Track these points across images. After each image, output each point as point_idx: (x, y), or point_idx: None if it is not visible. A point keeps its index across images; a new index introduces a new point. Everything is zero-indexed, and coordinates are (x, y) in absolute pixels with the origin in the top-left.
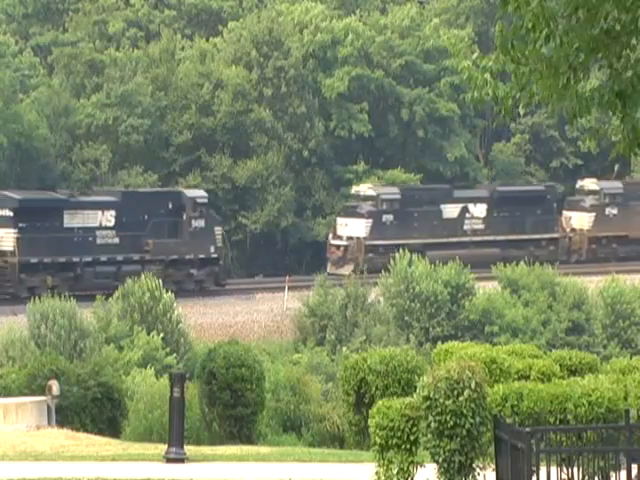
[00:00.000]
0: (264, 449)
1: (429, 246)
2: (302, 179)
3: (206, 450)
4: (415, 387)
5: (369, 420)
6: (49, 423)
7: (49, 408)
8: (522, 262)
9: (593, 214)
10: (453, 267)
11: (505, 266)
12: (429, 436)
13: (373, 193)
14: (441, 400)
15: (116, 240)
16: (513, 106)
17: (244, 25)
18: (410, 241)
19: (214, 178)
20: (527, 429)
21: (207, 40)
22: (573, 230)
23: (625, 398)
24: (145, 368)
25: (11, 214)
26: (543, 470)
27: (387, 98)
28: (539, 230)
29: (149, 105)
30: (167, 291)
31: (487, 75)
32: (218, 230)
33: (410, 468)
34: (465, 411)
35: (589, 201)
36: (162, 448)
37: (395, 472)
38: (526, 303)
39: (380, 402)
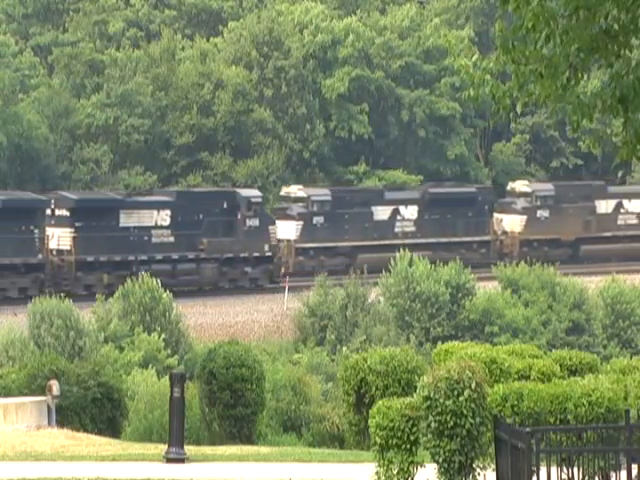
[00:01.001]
0: (264, 449)
1: (360, 249)
2: (303, 180)
3: (206, 450)
4: (415, 387)
5: (369, 420)
6: (49, 423)
7: (49, 408)
8: (522, 262)
9: (524, 217)
10: (454, 267)
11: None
12: (429, 436)
13: (304, 195)
14: (441, 400)
15: (171, 239)
16: (511, 105)
17: (244, 25)
18: (341, 244)
19: (214, 177)
20: (527, 429)
21: (207, 40)
22: (505, 233)
23: (625, 398)
24: (146, 368)
25: (68, 214)
26: (543, 470)
27: (387, 99)
28: (470, 233)
29: (149, 105)
30: (166, 291)
31: (487, 76)
32: (272, 229)
33: (410, 468)
34: (465, 411)
35: (520, 203)
36: (162, 448)
37: (395, 472)
38: (526, 303)
39: (380, 402)
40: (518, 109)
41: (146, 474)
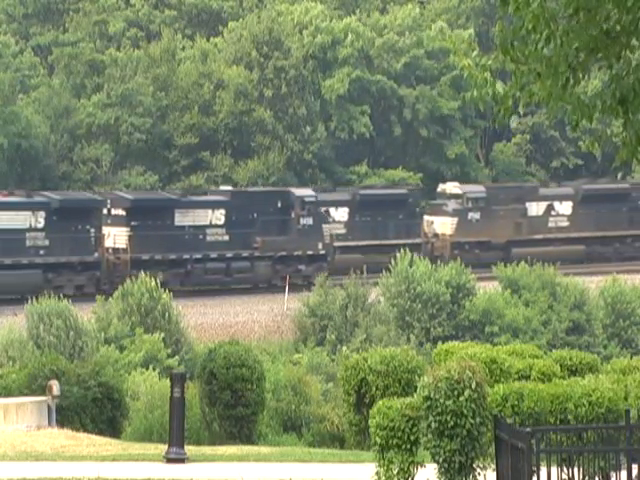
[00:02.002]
0: (264, 449)
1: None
2: (303, 180)
3: (206, 450)
4: (415, 387)
5: (369, 420)
6: (49, 423)
7: (49, 408)
8: (522, 262)
9: (455, 219)
10: (454, 267)
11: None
12: (429, 436)
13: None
14: (441, 400)
15: (226, 237)
16: (513, 106)
17: (244, 25)
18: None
19: (215, 178)
20: (527, 429)
21: (208, 40)
22: (436, 235)
23: (625, 398)
24: (146, 369)
25: (124, 213)
26: (543, 470)
27: (389, 98)
28: (401, 235)
29: (150, 105)
30: (165, 291)
31: (487, 74)
32: (326, 227)
33: (410, 468)
34: (465, 411)
35: (451, 205)
36: (162, 448)
37: (395, 472)
38: (527, 303)
39: (380, 402)
40: (520, 110)
41: (146, 474)
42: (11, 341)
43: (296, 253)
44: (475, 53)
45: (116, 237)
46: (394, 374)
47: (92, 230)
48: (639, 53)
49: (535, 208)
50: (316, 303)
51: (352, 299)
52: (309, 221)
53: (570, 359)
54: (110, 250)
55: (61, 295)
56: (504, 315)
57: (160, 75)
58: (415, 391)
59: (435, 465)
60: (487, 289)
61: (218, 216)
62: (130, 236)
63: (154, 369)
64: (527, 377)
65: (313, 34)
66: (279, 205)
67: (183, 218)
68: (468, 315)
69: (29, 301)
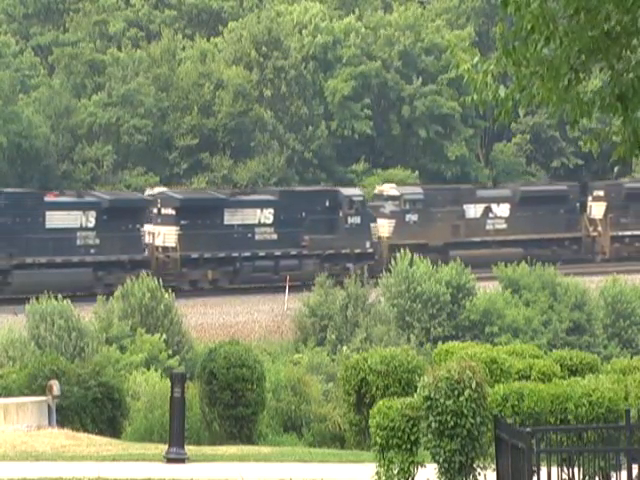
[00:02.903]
0: (265, 449)
1: None
2: (304, 180)
3: (207, 450)
4: (416, 387)
5: (370, 420)
6: (49, 423)
7: (49, 408)
8: (523, 262)
9: (393, 221)
10: (454, 267)
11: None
12: (430, 436)
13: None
14: (442, 400)
15: (274, 236)
16: (513, 108)
17: (244, 25)
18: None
19: (215, 179)
20: (528, 429)
21: (208, 40)
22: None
23: (625, 398)
24: (148, 369)
25: (173, 212)
26: (544, 470)
27: (389, 93)
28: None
29: (151, 106)
30: (167, 291)
31: (488, 78)
32: (374, 226)
33: (411, 468)
34: (466, 411)
35: (389, 207)
36: (163, 448)
37: (396, 472)
38: (527, 303)
39: (381, 402)
40: (520, 112)
41: (146, 474)
42: (12, 341)
43: (344, 251)
44: (477, 59)
45: (166, 236)
46: (394, 374)
47: (142, 229)
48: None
49: (473, 210)
50: (316, 303)
51: (352, 299)
52: (357, 220)
53: (570, 359)
54: (160, 249)
55: (60, 295)
56: (504, 315)
57: (161, 75)
58: (415, 391)
59: (435, 465)
60: (487, 289)
61: (267, 215)
62: (179, 235)
63: (155, 370)
64: (527, 377)
65: (313, 34)
66: (327, 204)
67: (232, 217)
68: (468, 315)
69: (30, 301)
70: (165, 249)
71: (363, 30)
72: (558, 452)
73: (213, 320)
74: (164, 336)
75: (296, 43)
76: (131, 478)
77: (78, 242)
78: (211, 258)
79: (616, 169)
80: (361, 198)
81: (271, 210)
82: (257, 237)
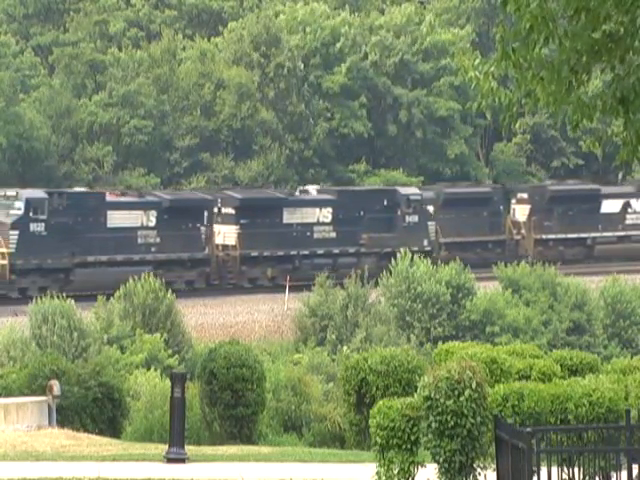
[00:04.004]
0: (265, 449)
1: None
2: (304, 179)
3: (207, 450)
4: (416, 387)
5: (370, 420)
6: (50, 423)
7: (50, 408)
8: (523, 262)
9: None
10: (454, 267)
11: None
12: (430, 436)
13: None
14: (442, 400)
15: (333, 235)
16: (517, 111)
17: (243, 25)
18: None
19: (215, 179)
20: (528, 429)
21: (208, 40)
22: None
23: (626, 398)
24: (148, 369)
25: (233, 212)
26: (544, 470)
27: (385, 97)
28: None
29: (152, 107)
30: (168, 291)
31: (493, 83)
32: (431, 225)
33: (411, 468)
34: (466, 411)
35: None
36: (163, 448)
37: (396, 472)
38: (527, 303)
39: (381, 402)
40: (527, 118)
41: (147, 474)
42: (13, 341)
43: (402, 249)
44: (477, 61)
45: (226, 234)
46: (394, 374)
47: (202, 228)
48: None
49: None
50: (316, 303)
51: (352, 299)
52: (414, 219)
53: (570, 359)
54: (220, 247)
55: (63, 295)
56: (505, 315)
57: (161, 76)
58: (415, 391)
59: (435, 465)
60: (487, 289)
61: (325, 214)
62: (239, 233)
63: (155, 369)
64: (527, 377)
65: (314, 31)
66: (385, 203)
67: (291, 216)
68: (468, 315)
69: (32, 301)
70: (225, 247)
71: (357, 25)
72: (558, 452)
73: (213, 320)
74: (164, 335)
75: (296, 41)
76: (131, 478)
77: (139, 241)
78: (270, 256)
79: (620, 174)
80: (419, 197)
81: (330, 209)
82: (316, 235)
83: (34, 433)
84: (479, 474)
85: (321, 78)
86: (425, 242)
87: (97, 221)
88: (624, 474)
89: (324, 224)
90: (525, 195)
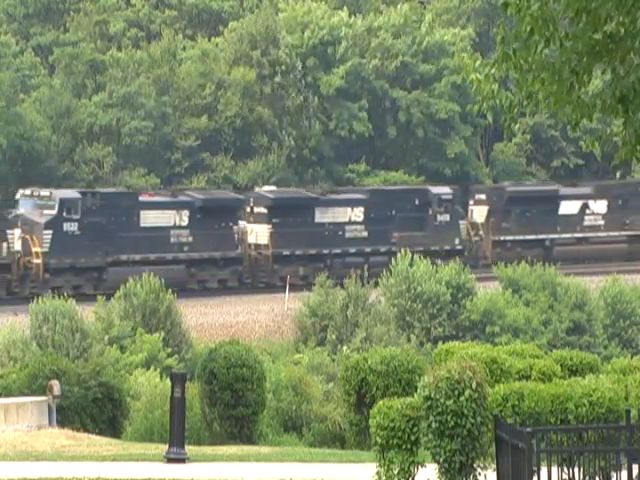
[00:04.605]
0: (265, 449)
1: None
2: (303, 179)
3: (207, 450)
4: (416, 387)
5: (370, 420)
6: (50, 423)
7: (50, 408)
8: (523, 262)
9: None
10: (454, 267)
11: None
12: (430, 436)
13: None
14: (442, 400)
15: (364, 234)
16: (518, 113)
17: (243, 25)
18: None
19: (215, 179)
20: (528, 429)
21: (209, 40)
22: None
23: (626, 398)
24: (148, 369)
25: (265, 211)
26: (544, 470)
27: (384, 99)
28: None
29: (152, 108)
30: (168, 291)
31: (495, 86)
32: (462, 224)
33: (411, 468)
34: (466, 411)
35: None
36: (163, 448)
37: (396, 472)
38: (527, 303)
39: (381, 402)
40: (528, 119)
41: (147, 474)
42: (13, 341)
43: (433, 248)
44: (478, 63)
45: (258, 234)
46: (394, 374)
47: (235, 227)
48: None
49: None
50: (316, 303)
51: (352, 299)
52: (446, 218)
53: (570, 359)
54: (252, 246)
55: (65, 294)
56: (505, 315)
57: (162, 76)
58: (415, 391)
59: (435, 465)
60: (487, 289)
61: (357, 213)
62: (271, 233)
63: (155, 369)
64: (527, 377)
65: (313, 30)
66: (417, 203)
67: (323, 215)
68: (469, 315)
69: (32, 301)
70: (257, 246)
71: (357, 27)
72: (558, 452)
73: (213, 320)
74: (163, 335)
75: (296, 40)
76: (131, 478)
77: (172, 240)
78: (302, 255)
79: (619, 173)
80: (450, 196)
81: (361, 208)
82: (347, 235)
83: (34, 433)
84: (479, 474)
85: (320, 80)
86: (456, 240)
87: (130, 221)
88: (624, 474)
89: (356, 223)
90: (483, 196)
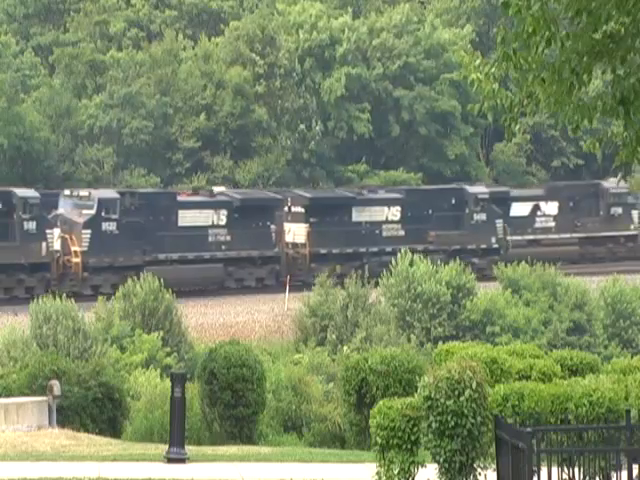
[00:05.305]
0: (265, 449)
1: None
2: (303, 179)
3: (207, 450)
4: (416, 387)
5: (370, 420)
6: (50, 423)
7: (50, 408)
8: (523, 262)
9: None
10: (454, 267)
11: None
12: (430, 436)
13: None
14: (442, 400)
15: (401, 232)
16: (519, 113)
17: (241, 25)
18: None
19: (215, 180)
20: (528, 429)
21: (209, 40)
22: None
23: (626, 398)
24: (147, 369)
25: (303, 210)
26: (544, 470)
27: (387, 100)
28: None
29: (153, 109)
30: (167, 291)
31: (495, 85)
32: (499, 223)
33: (411, 468)
34: (466, 411)
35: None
36: (163, 448)
37: (396, 472)
38: (527, 303)
39: (381, 402)
40: (529, 119)
41: (147, 474)
42: (13, 341)
43: (469, 247)
44: (478, 61)
45: (295, 233)
46: (395, 374)
47: (272, 226)
48: None
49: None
50: (317, 303)
51: (353, 299)
52: (482, 217)
53: (571, 359)
54: (290, 245)
55: (65, 295)
56: (505, 315)
57: (163, 76)
58: (416, 391)
59: (436, 465)
60: (487, 289)
61: (394, 212)
62: (309, 232)
63: (155, 369)
64: (528, 377)
65: (310, 32)
66: (453, 202)
67: (360, 214)
68: (469, 315)
69: (33, 301)
70: (295, 245)
71: (359, 29)
72: (558, 452)
73: (213, 320)
74: (162, 334)
75: (292, 43)
76: (131, 478)
77: (210, 239)
78: (339, 254)
79: (619, 175)
80: (487, 196)
81: (398, 207)
82: (384, 233)
83: (34, 433)
84: (479, 474)
85: (320, 85)
86: (493, 239)
87: (168, 220)
88: (624, 474)
89: (393, 222)
90: None
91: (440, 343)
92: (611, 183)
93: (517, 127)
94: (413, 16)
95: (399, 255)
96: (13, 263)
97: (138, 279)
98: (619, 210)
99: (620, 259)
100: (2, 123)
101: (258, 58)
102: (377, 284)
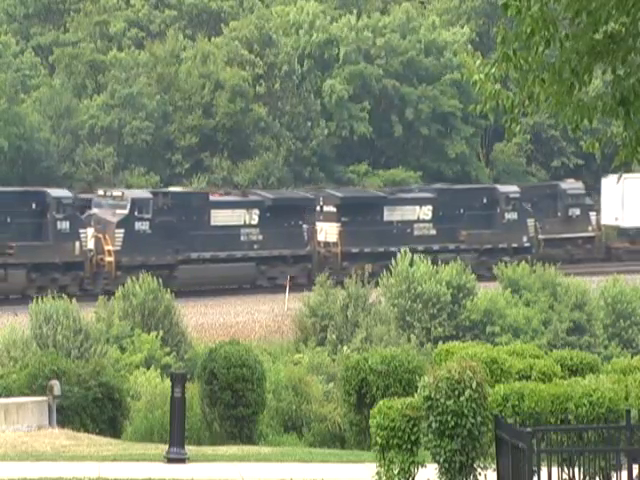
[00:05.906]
0: (265, 449)
1: None
2: (303, 179)
3: (207, 450)
4: (416, 387)
5: (370, 420)
6: (50, 423)
7: (50, 408)
8: (523, 262)
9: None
10: (454, 267)
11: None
12: (430, 436)
13: None
14: (442, 400)
15: (433, 232)
16: (519, 113)
17: (237, 26)
18: None
19: (214, 180)
20: (528, 429)
21: (209, 40)
22: None
23: (626, 398)
24: (147, 369)
25: (334, 210)
26: (544, 470)
27: (390, 97)
28: None
29: (153, 110)
30: (167, 291)
31: (497, 86)
32: (530, 222)
33: (411, 468)
34: (466, 411)
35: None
36: (163, 448)
37: (396, 472)
38: (527, 303)
39: (381, 402)
40: (529, 119)
41: (147, 474)
42: (13, 341)
43: (501, 246)
44: (479, 62)
45: (327, 232)
46: (395, 374)
47: (304, 225)
48: None
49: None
50: (317, 303)
51: (353, 299)
52: (514, 216)
53: (571, 359)
54: (322, 244)
55: (63, 295)
56: (505, 315)
57: (165, 75)
58: (416, 391)
59: (436, 465)
60: (487, 289)
61: (425, 212)
62: (340, 231)
63: (155, 369)
64: (528, 377)
65: (309, 32)
66: (484, 201)
67: (391, 214)
68: (469, 315)
69: (33, 301)
70: (327, 244)
71: (361, 29)
72: (558, 452)
73: (213, 320)
74: (161, 334)
75: (290, 41)
76: (131, 478)
77: (242, 238)
78: (371, 253)
79: (618, 174)
80: (518, 195)
81: (430, 207)
82: (416, 232)
83: (34, 433)
84: (479, 474)
85: (322, 87)
86: (524, 238)
87: (201, 219)
88: (624, 474)
89: (424, 221)
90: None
91: (440, 343)
92: (569, 184)
93: (517, 127)
94: (415, 14)
95: (399, 255)
96: (47, 262)
97: (170, 278)
98: (577, 211)
99: (577, 261)
100: (2, 123)
101: (257, 59)
102: (377, 284)
